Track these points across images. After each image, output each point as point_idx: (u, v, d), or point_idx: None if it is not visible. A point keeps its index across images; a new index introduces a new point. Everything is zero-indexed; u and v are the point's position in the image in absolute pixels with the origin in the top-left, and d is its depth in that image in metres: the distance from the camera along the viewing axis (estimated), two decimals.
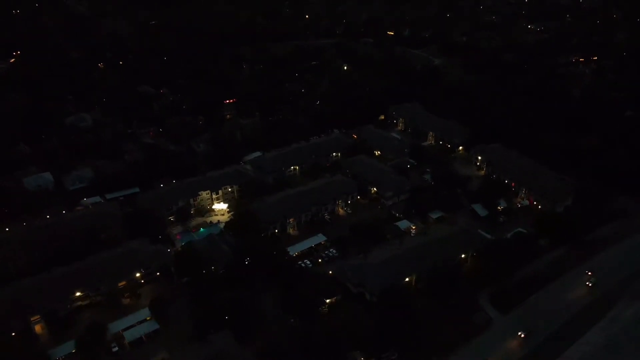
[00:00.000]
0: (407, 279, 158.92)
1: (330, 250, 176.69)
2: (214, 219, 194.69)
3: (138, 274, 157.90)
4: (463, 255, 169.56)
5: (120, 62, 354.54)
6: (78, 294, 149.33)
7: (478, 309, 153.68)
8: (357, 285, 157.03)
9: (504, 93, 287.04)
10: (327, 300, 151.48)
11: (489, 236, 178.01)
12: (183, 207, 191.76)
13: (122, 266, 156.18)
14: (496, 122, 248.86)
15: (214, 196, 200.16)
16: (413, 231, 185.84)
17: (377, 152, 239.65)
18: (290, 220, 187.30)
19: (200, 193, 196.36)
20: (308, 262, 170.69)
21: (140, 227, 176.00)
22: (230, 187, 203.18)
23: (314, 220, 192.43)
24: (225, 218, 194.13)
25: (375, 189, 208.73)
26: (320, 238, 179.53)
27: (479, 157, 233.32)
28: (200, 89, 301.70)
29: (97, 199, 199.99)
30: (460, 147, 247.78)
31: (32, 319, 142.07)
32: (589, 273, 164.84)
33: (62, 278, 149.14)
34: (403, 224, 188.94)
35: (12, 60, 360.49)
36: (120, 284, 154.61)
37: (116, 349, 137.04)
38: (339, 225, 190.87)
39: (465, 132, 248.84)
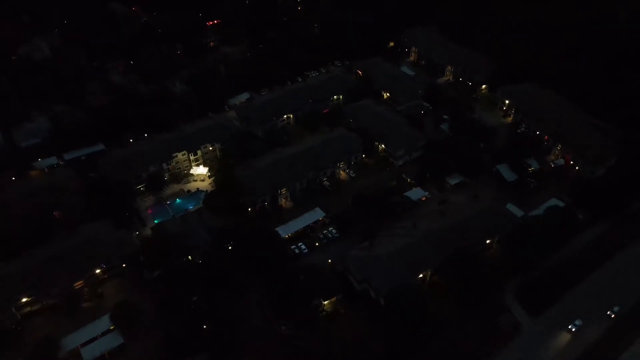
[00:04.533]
0: (420, 275, 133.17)
1: (330, 230, 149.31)
2: (192, 185, 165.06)
3: (98, 270, 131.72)
4: (488, 241, 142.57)
5: None
6: (25, 299, 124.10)
7: (503, 309, 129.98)
8: (361, 282, 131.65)
9: (535, 15, 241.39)
10: (325, 302, 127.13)
11: (518, 212, 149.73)
12: (155, 174, 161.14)
13: (78, 262, 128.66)
14: (527, 54, 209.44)
15: (192, 157, 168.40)
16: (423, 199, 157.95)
17: (386, 95, 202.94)
18: (283, 190, 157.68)
19: (175, 155, 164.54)
20: (303, 247, 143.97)
21: (103, 201, 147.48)
22: (212, 146, 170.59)
23: (311, 188, 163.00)
24: (205, 184, 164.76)
25: (383, 145, 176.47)
26: (318, 214, 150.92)
27: (506, 102, 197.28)
28: (178, 7, 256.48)
29: (54, 160, 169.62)
30: (484, 86, 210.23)
31: None
32: None
33: (4, 280, 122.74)
34: (415, 193, 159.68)
35: None
36: (77, 285, 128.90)
37: None
38: (340, 193, 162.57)
39: (489, 67, 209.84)
